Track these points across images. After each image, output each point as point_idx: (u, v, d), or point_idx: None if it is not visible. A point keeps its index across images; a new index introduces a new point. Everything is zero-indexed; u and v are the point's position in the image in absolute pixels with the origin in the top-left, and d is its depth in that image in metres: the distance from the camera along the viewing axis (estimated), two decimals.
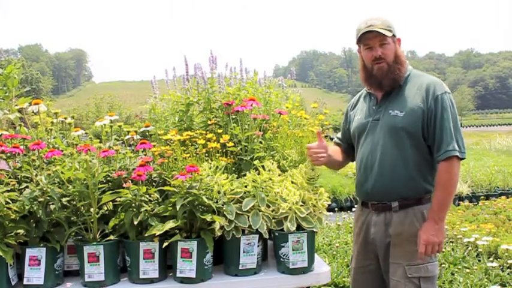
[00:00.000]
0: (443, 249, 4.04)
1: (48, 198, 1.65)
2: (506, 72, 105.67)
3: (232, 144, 1.99)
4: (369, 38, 1.94)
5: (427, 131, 1.91)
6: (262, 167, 1.86)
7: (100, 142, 1.91)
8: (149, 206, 1.70)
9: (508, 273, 3.60)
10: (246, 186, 1.80)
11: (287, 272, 1.75)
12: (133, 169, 1.76)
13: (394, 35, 1.95)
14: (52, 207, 1.67)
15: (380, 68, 1.95)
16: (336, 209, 7.53)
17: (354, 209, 6.53)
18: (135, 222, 1.64)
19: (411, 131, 1.91)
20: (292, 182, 1.88)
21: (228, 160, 1.95)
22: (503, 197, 7.13)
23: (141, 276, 1.67)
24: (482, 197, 7.39)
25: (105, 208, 1.76)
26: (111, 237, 1.70)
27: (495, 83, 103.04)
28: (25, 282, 1.64)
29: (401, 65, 1.97)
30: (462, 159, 1.89)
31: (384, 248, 1.97)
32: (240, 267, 1.73)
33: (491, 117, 68.88)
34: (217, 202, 1.70)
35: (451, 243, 4.44)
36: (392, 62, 1.95)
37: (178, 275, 1.67)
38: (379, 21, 1.93)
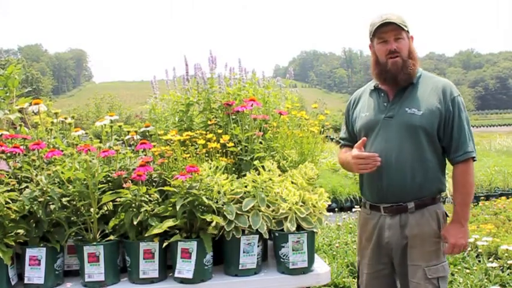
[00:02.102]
0: None
1: (48, 198, 1.65)
2: (507, 73, 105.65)
3: (232, 144, 1.99)
4: (384, 31, 1.94)
5: (444, 131, 1.93)
6: (262, 167, 1.86)
7: (100, 142, 1.92)
8: (149, 206, 1.70)
9: (508, 274, 3.60)
10: (246, 187, 1.80)
11: (287, 272, 1.75)
12: (134, 169, 1.76)
13: (408, 31, 1.96)
14: (52, 207, 1.67)
15: (395, 63, 1.94)
16: (336, 209, 7.53)
17: (354, 210, 6.52)
18: (135, 222, 1.64)
19: (429, 131, 1.91)
20: (292, 182, 1.88)
21: (228, 160, 1.95)
22: (503, 198, 7.13)
23: (141, 276, 1.67)
24: (482, 198, 7.39)
25: (105, 208, 1.76)
26: (111, 237, 1.70)
27: (495, 84, 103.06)
28: (25, 282, 1.64)
29: (415, 61, 1.98)
30: (475, 161, 1.95)
31: (400, 251, 1.96)
32: (240, 268, 1.73)
33: (492, 117, 68.80)
34: (217, 202, 1.70)
35: None
36: (406, 57, 1.95)
37: (178, 275, 1.67)
38: (394, 16, 1.94)
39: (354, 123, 2.15)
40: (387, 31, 1.93)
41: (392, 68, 1.95)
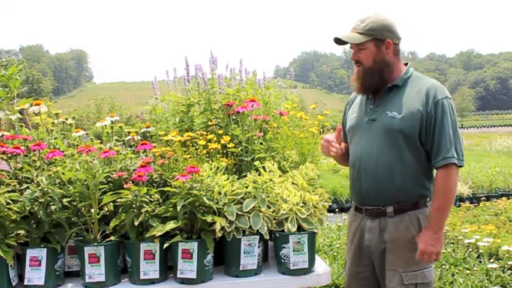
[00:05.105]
0: (444, 251, 4.04)
1: (48, 198, 1.65)
2: (507, 73, 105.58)
3: (233, 145, 1.99)
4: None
5: (426, 135, 1.86)
6: (263, 167, 1.86)
7: (101, 143, 1.92)
8: (150, 207, 1.70)
9: (508, 275, 3.60)
10: (246, 187, 1.80)
11: (288, 273, 1.75)
12: (134, 170, 1.76)
13: (377, 39, 1.88)
14: (53, 207, 1.67)
15: (358, 71, 1.95)
16: (337, 210, 7.51)
17: None
18: (136, 223, 1.64)
19: (408, 134, 1.86)
20: (293, 183, 1.88)
21: (229, 161, 1.95)
22: (504, 198, 7.11)
23: (142, 277, 1.67)
24: (483, 198, 7.37)
25: (106, 209, 1.76)
26: (112, 237, 1.70)
27: (496, 84, 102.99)
28: (26, 282, 1.65)
29: (382, 70, 1.91)
30: (460, 167, 1.85)
31: (379, 254, 1.93)
32: (241, 268, 1.73)
33: (492, 118, 68.71)
34: (217, 203, 1.70)
35: (451, 245, 4.44)
36: (369, 67, 1.90)
37: (178, 275, 1.67)
38: (364, 23, 1.89)
39: (346, 123, 2.15)
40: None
41: (356, 75, 1.96)
